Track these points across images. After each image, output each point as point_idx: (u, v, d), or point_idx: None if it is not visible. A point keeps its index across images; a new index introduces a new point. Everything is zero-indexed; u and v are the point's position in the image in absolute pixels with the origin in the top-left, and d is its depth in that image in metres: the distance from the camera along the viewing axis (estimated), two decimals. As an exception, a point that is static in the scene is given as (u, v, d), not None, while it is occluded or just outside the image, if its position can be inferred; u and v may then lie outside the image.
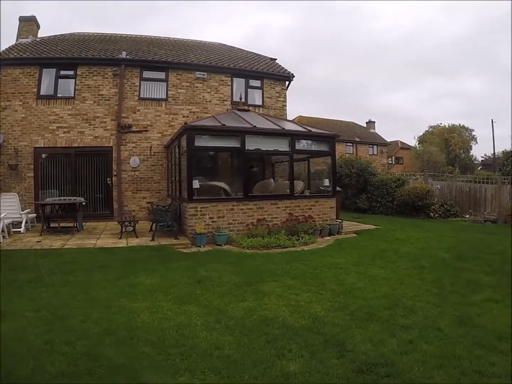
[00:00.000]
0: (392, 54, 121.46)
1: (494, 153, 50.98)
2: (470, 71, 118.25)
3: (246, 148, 14.04)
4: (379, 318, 6.38)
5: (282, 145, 15.01)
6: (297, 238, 13.20)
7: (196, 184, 13.38)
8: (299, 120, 42.11)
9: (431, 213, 20.62)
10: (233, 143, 14.39)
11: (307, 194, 15.97)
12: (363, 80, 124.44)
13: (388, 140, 53.29)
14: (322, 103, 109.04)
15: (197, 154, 15.08)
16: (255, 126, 14.36)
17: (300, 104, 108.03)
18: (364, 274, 9.15)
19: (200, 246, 12.44)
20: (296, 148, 15.14)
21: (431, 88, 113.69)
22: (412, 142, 64.12)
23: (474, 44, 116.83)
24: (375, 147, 49.40)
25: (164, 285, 8.02)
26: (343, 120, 52.32)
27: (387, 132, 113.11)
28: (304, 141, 15.65)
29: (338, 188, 16.90)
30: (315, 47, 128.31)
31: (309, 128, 15.93)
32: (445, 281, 8.64)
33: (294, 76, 21.45)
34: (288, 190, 14.93)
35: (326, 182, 16.08)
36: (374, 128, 53.29)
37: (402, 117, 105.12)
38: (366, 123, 54.02)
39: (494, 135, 51.97)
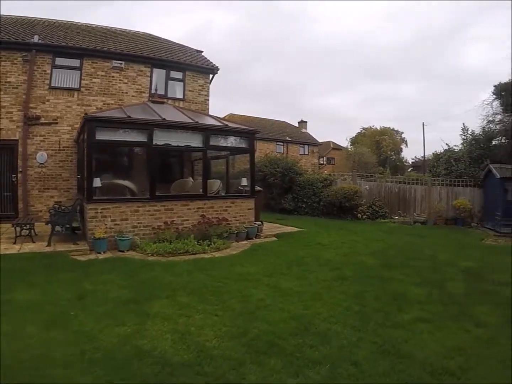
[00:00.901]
0: (332, 58, 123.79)
1: (424, 155, 52.06)
2: (405, 78, 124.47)
3: (154, 143, 12.68)
4: (283, 349, 5.18)
5: (195, 141, 13.56)
6: (209, 243, 11.98)
7: (97, 182, 11.74)
8: (230, 118, 41.79)
9: (359, 214, 19.97)
10: (140, 137, 12.72)
11: (223, 194, 14.58)
12: (302, 82, 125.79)
13: (320, 141, 53.10)
14: (262, 103, 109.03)
15: (100, 149, 13.34)
16: (164, 119, 12.79)
17: (239, 103, 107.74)
18: (275, 288, 7.94)
19: (100, 253, 10.95)
20: (211, 144, 13.66)
21: (367, 92, 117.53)
22: (345, 143, 64.47)
23: (411, 53, 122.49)
24: (306, 146, 48.96)
25: (41, 301, 6.72)
26: (275, 119, 51.55)
27: (321, 133, 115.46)
28: (220, 137, 14.25)
29: (257, 188, 15.65)
30: (257, 48, 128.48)
31: (226, 123, 14.54)
32: (368, 295, 7.65)
33: (218, 69, 20.00)
34: (201, 190, 13.56)
35: (244, 181, 14.73)
36: (306, 128, 52.95)
37: (337, 119, 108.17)
38: (298, 123, 53.60)
39: (425, 138, 52.73)
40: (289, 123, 52.78)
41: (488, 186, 19.81)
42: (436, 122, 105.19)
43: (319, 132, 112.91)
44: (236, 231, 13.28)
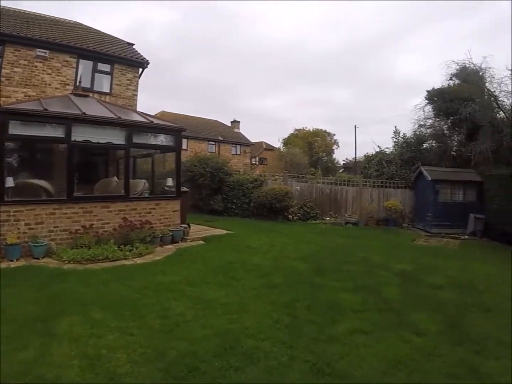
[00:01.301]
0: (267, 60, 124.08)
1: (355, 156, 52.77)
2: (339, 83, 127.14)
3: (73, 139, 11.46)
4: (204, 373, 4.49)
5: (117, 138, 12.50)
6: (131, 248, 11.01)
7: (9, 182, 10.47)
8: (162, 116, 39.86)
9: (289, 216, 19.65)
10: (57, 133, 11.47)
11: (146, 195, 13.65)
12: (237, 82, 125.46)
13: (253, 141, 52.62)
14: (197, 102, 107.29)
15: (14, 145, 12.07)
16: (84, 113, 11.71)
17: (175, 102, 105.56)
18: (199, 299, 7.17)
19: (12, 260, 9.70)
20: (135, 141, 12.68)
21: (301, 95, 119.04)
22: (278, 144, 64.43)
23: (345, 59, 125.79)
24: (238, 146, 48.29)
25: None
26: (208, 118, 50.59)
27: (255, 133, 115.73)
28: (145, 134, 13.30)
29: (184, 188, 14.86)
30: (193, 46, 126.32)
31: (152, 119, 13.65)
32: (300, 304, 7.09)
33: (148, 63, 18.81)
34: (123, 191, 12.58)
35: (170, 181, 13.83)
36: (238, 128, 52.23)
37: (271, 120, 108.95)
38: (231, 122, 52.76)
39: (356, 140, 53.59)
40: (221, 123, 51.98)
41: (419, 187, 20.22)
42: (368, 125, 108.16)
43: (252, 132, 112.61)
44: (160, 235, 12.39)
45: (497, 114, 18.50)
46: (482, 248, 15.02)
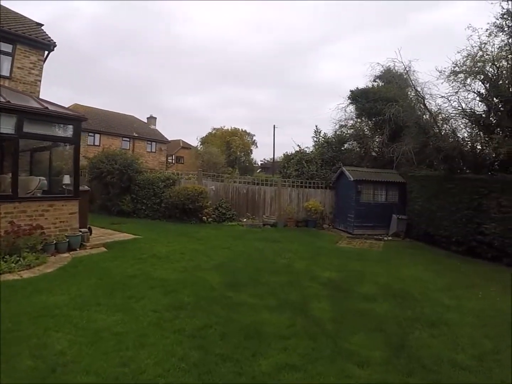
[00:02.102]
0: (193, 60, 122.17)
1: (273, 156, 52.11)
2: (262, 85, 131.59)
3: None
4: None
5: (5, 126, 10.47)
6: (18, 258, 8.93)
7: None
8: (75, 108, 37.03)
9: (204, 217, 18.15)
10: None
11: (39, 195, 11.53)
12: (160, 80, 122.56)
13: (170, 139, 50.46)
14: (116, 97, 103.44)
15: None
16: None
17: (95, 96, 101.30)
18: (86, 329, 5.53)
19: None
20: (26, 131, 10.64)
21: (224, 95, 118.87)
22: (196, 143, 62.77)
23: (270, 62, 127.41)
24: (154, 143, 45.89)
25: None
26: (124, 113, 47.64)
27: (174, 132, 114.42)
28: (39, 123, 11.31)
29: (84, 187, 13.06)
30: (118, 42, 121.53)
31: (47, 106, 11.70)
32: (212, 333, 5.69)
33: (55, 45, 16.39)
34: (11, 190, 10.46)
35: (67, 179, 11.86)
36: (155, 125, 49.64)
37: (193, 119, 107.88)
38: (147, 118, 49.93)
39: (275, 140, 53.00)
40: (137, 118, 49.02)
41: (341, 188, 19.59)
42: (287, 127, 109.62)
43: (172, 131, 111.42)
44: (54, 242, 10.33)
45: (423, 116, 18.09)
46: (407, 250, 14.65)
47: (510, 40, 14.09)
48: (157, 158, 45.15)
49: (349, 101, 22.30)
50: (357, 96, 21.56)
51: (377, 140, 21.88)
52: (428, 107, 17.37)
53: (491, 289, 9.17)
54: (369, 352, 5.28)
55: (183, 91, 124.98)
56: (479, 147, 16.01)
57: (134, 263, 9.60)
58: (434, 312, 7.21)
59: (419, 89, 17.98)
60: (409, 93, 19.93)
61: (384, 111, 19.02)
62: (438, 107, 16.94)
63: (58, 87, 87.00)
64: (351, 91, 22.09)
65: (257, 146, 67.47)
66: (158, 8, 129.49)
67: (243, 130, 65.77)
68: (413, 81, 18.40)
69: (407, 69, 18.58)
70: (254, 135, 67.68)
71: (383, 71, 22.02)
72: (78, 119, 11.91)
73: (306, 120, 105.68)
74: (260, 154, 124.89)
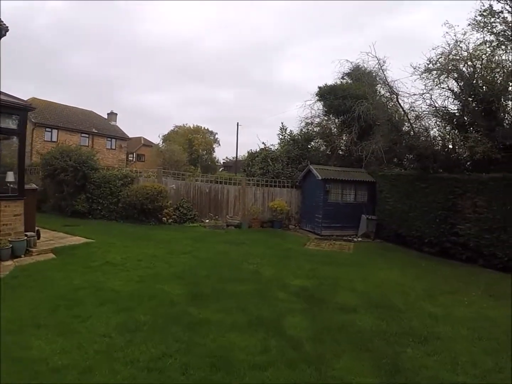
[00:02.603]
0: (157, 58, 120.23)
1: (236, 154, 51.15)
2: (225, 84, 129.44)
3: None
4: None
5: None
6: None
7: None
8: (33, 102, 34.83)
9: (164, 218, 16.98)
10: None
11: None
12: (123, 78, 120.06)
13: (131, 136, 48.69)
14: (80, 94, 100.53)
15: None
16: None
17: (57, 91, 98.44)
18: (20, 360, 4.43)
19: None
20: None
21: (188, 93, 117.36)
22: (158, 140, 61.28)
23: (234, 61, 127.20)
24: (114, 140, 44.05)
25: None
26: (83, 108, 45.30)
27: (136, 130, 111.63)
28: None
29: (31, 186, 11.75)
30: (81, 37, 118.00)
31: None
32: (172, 363, 4.64)
33: (7, 30, 14.95)
34: None
35: (10, 176, 10.25)
36: (115, 121, 47.58)
37: (155, 117, 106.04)
38: (108, 114, 47.56)
39: (238, 138, 51.93)
40: (97, 114, 46.65)
41: (308, 187, 18.79)
42: (251, 127, 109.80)
43: (134, 129, 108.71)
44: None
45: (396, 113, 17.52)
46: (379, 251, 14.04)
47: (488, 37, 13.59)
48: (117, 155, 43.40)
49: (316, 97, 21.52)
50: (325, 93, 20.78)
51: (344, 139, 21.07)
52: (401, 104, 16.82)
53: (472, 293, 8.67)
54: (360, 379, 4.45)
55: (145, 89, 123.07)
56: (450, 146, 15.53)
57: (85, 272, 8.42)
58: (423, 325, 6.48)
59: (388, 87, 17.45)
60: (381, 90, 19.43)
61: (353, 109, 18.38)
62: (411, 104, 16.47)
63: (22, 82, 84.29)
64: (319, 87, 21.32)
65: (219, 145, 66.79)
66: (123, 5, 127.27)
67: (206, 128, 64.90)
68: (387, 77, 17.74)
69: (381, 64, 17.85)
70: (216, 133, 66.92)
71: (352, 68, 21.45)
72: (23, 108, 10.61)
73: (269, 120, 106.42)
74: (222, 153, 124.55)
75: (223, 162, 71.44)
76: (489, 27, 13.42)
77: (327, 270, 10.12)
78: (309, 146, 21.84)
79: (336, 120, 21.70)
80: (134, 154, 53.71)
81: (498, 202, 12.13)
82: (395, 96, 16.90)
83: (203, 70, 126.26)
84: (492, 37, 13.51)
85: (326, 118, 22.20)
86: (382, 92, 19.13)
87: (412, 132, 16.18)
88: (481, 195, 12.59)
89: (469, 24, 13.69)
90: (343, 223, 17.15)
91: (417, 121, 16.26)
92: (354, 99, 18.82)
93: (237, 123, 51.81)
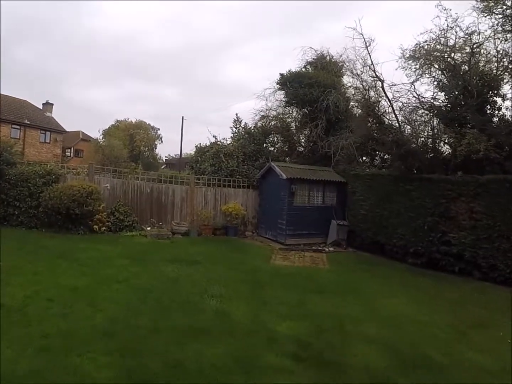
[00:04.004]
0: (99, 52, 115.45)
1: (181, 149, 47.69)
2: (169, 82, 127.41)
3: None
4: None
5: None
6: None
7: None
8: None
9: (95, 226, 13.27)
10: None
11: None
12: (64, 71, 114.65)
13: (68, 130, 44.20)
14: (18, 88, 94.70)
15: None
16: None
17: None
18: None
19: None
20: None
21: (130, 90, 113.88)
22: (98, 135, 57.03)
23: (178, 59, 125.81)
24: (48, 133, 39.40)
25: None
26: (15, 97, 40.29)
27: (75, 126, 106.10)
28: None
29: None
30: (24, 30, 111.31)
31: None
32: None
33: None
34: None
35: None
36: (51, 112, 42.93)
37: (97, 113, 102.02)
38: (43, 104, 42.49)
39: (183, 133, 48.90)
40: (31, 104, 41.37)
41: (268, 187, 15.89)
42: (194, 125, 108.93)
43: (73, 124, 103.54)
44: None
45: (377, 104, 15.26)
46: (360, 266, 11.78)
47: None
48: (52, 149, 38.96)
49: (277, 86, 18.59)
50: (288, 81, 17.83)
51: (306, 133, 18.49)
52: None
53: (503, 322, 7.24)
54: None
55: (86, 84, 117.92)
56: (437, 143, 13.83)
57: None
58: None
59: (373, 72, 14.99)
60: (363, 76, 16.46)
61: (321, 99, 15.92)
62: (394, 94, 14.24)
63: None
64: (281, 74, 18.30)
65: (162, 141, 63.00)
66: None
67: (148, 123, 61.29)
68: (372, 60, 15.03)
69: (368, 43, 15.00)
70: (159, 129, 63.02)
71: (316, 57, 18.81)
72: None
73: (213, 118, 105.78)
74: (165, 152, 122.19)
75: (166, 160, 68.68)
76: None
77: (317, 303, 7.52)
78: (267, 141, 19.05)
79: (297, 113, 19.06)
80: (72, 149, 49.23)
81: (499, 207, 10.30)
82: (380, 83, 14.39)
83: (145, 67, 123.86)
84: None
85: (287, 109, 19.42)
86: (368, 77, 16.30)
87: (397, 124, 13.84)
88: (479, 199, 10.81)
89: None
90: (310, 230, 14.61)
91: (402, 112, 14.01)
92: (321, 88, 16.30)
93: (182, 117, 48.28)
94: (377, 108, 15.04)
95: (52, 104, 42.92)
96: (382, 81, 14.31)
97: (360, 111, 17.32)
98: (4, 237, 10.67)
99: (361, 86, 16.05)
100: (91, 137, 51.28)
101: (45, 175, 13.46)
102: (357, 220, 14.34)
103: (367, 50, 14.93)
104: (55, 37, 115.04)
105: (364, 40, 14.91)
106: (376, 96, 15.29)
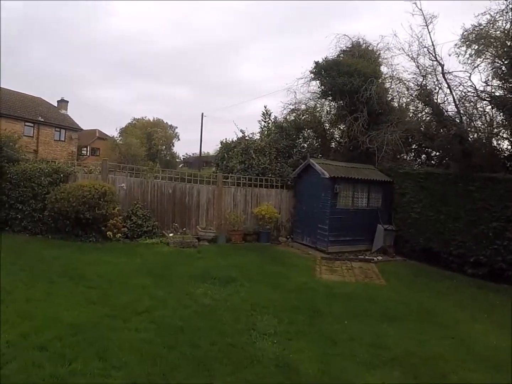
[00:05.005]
0: (110, 53, 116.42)
1: (200, 146, 45.56)
2: (179, 80, 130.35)
3: None
4: None
5: None
6: None
7: None
8: None
9: (109, 232, 11.27)
10: None
11: None
12: (78, 72, 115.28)
13: (84, 128, 42.62)
14: (31, 88, 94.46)
15: None
16: None
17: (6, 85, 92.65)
18: None
19: None
20: None
21: (142, 90, 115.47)
22: (115, 134, 55.66)
23: (190, 59, 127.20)
24: (63, 131, 37.77)
25: None
26: (30, 94, 38.73)
27: (90, 124, 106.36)
28: None
29: None
30: (37, 30, 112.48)
31: None
32: None
33: None
34: None
35: None
36: (66, 110, 41.18)
37: (110, 113, 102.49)
38: (58, 102, 40.88)
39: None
40: (46, 101, 39.79)
41: (305, 187, 13.93)
42: (208, 125, 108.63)
43: (88, 123, 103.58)
44: None
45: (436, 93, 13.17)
46: (419, 279, 9.95)
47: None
48: (67, 148, 37.38)
49: (312, 75, 16.33)
50: (324, 69, 15.65)
51: (340, 128, 16.58)
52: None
53: None
54: None
55: (99, 84, 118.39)
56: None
57: None
58: None
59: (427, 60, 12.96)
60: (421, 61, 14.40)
61: (363, 88, 13.95)
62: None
63: None
64: (316, 62, 16.01)
65: (179, 139, 61.49)
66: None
67: (165, 122, 59.88)
68: (433, 42, 12.81)
69: (428, 21, 12.86)
70: (176, 127, 61.61)
71: (351, 46, 16.65)
72: None
73: (224, 117, 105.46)
74: (181, 151, 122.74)
75: (183, 158, 67.04)
76: None
77: (395, 337, 5.83)
78: (300, 136, 16.99)
79: (331, 106, 17.01)
80: (88, 147, 47.90)
81: None
82: (440, 67, 12.31)
83: (158, 68, 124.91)
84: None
85: (318, 102, 17.30)
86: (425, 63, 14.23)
87: (459, 117, 11.84)
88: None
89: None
90: (354, 236, 12.76)
91: (460, 103, 12.01)
92: (361, 77, 14.37)
93: (202, 113, 46.53)
94: (435, 97, 12.95)
95: (67, 102, 41.36)
96: (443, 66, 12.21)
97: (403, 102, 15.52)
98: (4, 245, 8.87)
99: (417, 71, 13.84)
100: (107, 135, 49.80)
101: (52, 173, 11.64)
102: (406, 225, 12.48)
103: (427, 29, 12.59)
104: (67, 38, 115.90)
105: (424, 17, 12.64)
106: (436, 82, 13.17)
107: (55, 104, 40.35)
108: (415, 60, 13.15)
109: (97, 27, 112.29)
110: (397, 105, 15.93)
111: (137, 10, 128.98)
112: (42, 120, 34.92)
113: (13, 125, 30.22)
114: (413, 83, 13.67)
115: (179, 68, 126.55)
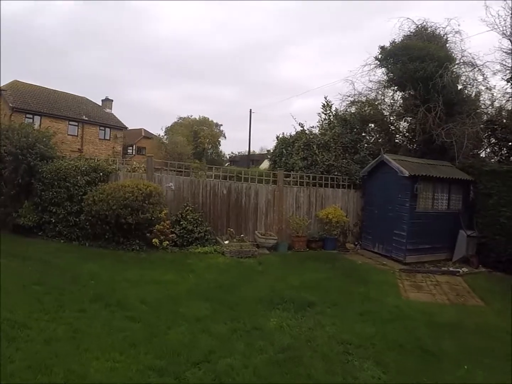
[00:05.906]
0: (160, 56, 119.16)
1: (249, 143, 43.33)
2: (225, 81, 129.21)
3: None
4: None
5: None
6: None
7: None
8: (14, 85, 30.66)
9: (155, 240, 9.80)
10: None
11: None
12: (124, 74, 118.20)
13: (130, 127, 41.97)
14: (80, 91, 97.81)
15: None
16: None
17: (58, 86, 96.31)
18: None
19: None
20: None
21: (188, 91, 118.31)
22: (160, 133, 55.24)
23: (232, 60, 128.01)
24: (108, 130, 37.01)
25: None
26: (73, 93, 38.18)
27: (135, 123, 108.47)
28: None
29: None
30: (91, 37, 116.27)
31: None
32: None
33: None
34: None
35: None
36: (111, 108, 40.48)
37: (157, 113, 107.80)
38: (102, 101, 40.30)
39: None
40: (90, 100, 39.36)
41: (377, 187, 12.02)
42: (253, 123, 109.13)
43: (134, 122, 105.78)
44: None
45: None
46: None
47: None
48: (112, 146, 36.76)
49: (377, 62, 14.47)
50: (391, 55, 13.73)
51: (408, 120, 14.37)
52: None
53: None
54: None
55: (146, 86, 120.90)
56: None
57: None
58: None
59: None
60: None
61: (438, 74, 12.07)
62: None
63: (28, 78, 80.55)
64: (381, 47, 14.16)
65: (225, 137, 60.61)
66: (127, 5, 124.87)
67: (211, 120, 59.08)
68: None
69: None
70: (221, 125, 60.72)
71: (416, 30, 14.42)
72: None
73: (271, 117, 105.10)
74: (226, 149, 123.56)
75: (229, 157, 66.10)
76: None
77: None
78: (366, 130, 15.17)
79: (407, 94, 14.50)
80: (134, 146, 47.36)
81: None
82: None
83: (203, 68, 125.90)
84: None
85: (380, 93, 15.28)
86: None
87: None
88: None
89: None
90: (432, 243, 10.83)
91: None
92: (435, 63, 12.36)
93: (250, 109, 44.82)
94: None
95: (112, 100, 40.89)
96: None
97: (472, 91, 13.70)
98: (32, 255, 7.47)
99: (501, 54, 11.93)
100: (153, 134, 49.14)
101: (90, 171, 10.30)
102: (492, 231, 10.56)
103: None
104: (117, 43, 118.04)
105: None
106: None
107: (100, 103, 39.85)
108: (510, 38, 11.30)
109: (147, 31, 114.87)
110: (472, 94, 13.82)
111: (183, 14, 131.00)
112: (86, 119, 34.47)
113: (57, 124, 30.24)
114: (501, 64, 11.80)
115: (224, 69, 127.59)
